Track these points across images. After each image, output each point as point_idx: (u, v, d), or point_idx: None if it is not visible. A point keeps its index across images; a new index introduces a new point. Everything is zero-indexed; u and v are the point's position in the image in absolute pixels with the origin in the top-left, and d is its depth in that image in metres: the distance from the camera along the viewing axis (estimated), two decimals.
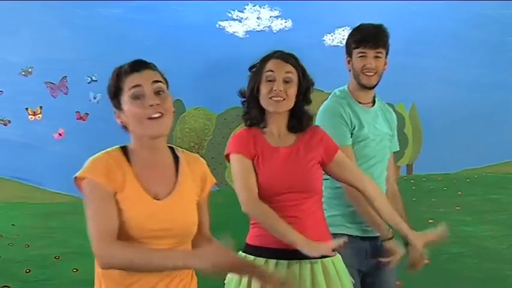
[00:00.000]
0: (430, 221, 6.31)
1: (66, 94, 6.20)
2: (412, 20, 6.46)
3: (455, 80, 6.58)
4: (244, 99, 2.94)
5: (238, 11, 6.31)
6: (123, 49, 6.18)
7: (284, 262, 2.77)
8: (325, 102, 3.44)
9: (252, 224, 2.89)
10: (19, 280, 5.61)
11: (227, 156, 2.89)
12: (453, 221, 6.39)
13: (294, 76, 2.86)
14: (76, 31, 6.17)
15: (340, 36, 6.34)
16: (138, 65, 2.36)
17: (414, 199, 6.50)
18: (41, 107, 6.16)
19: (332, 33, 6.36)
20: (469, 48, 6.56)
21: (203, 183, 2.32)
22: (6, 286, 5.58)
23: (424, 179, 6.60)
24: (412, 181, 6.62)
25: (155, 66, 2.33)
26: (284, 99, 2.81)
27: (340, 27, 6.38)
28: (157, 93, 2.25)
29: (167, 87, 2.32)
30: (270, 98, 2.81)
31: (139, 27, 6.23)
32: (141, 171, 2.22)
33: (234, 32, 6.30)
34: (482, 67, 6.56)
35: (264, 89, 2.84)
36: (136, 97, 2.24)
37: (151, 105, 2.20)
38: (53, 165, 6.13)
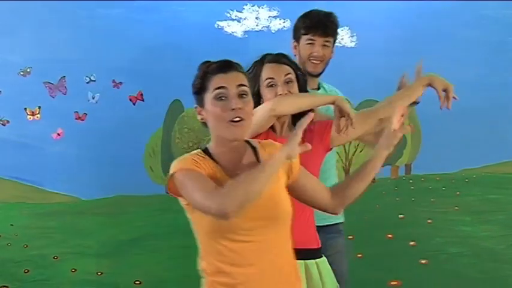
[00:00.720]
0: (429, 221, 6.32)
1: (64, 94, 6.20)
2: (411, 20, 6.45)
3: (455, 80, 6.50)
4: None
5: (236, 11, 6.30)
6: (122, 49, 6.17)
7: None
8: None
9: None
10: (17, 280, 5.61)
11: None
12: (452, 221, 6.38)
13: (292, 75, 2.90)
14: (75, 31, 6.16)
15: (339, 36, 6.32)
16: (226, 66, 2.43)
17: (413, 199, 6.49)
18: (39, 107, 6.16)
19: None
20: (468, 48, 6.55)
21: (287, 164, 2.32)
22: (4, 286, 5.58)
23: (422, 179, 6.59)
24: (411, 181, 6.61)
25: (242, 68, 2.36)
26: None
27: (339, 28, 6.37)
28: (241, 96, 2.29)
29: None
30: None
31: (138, 28, 6.22)
32: (227, 168, 2.28)
33: (232, 32, 6.29)
34: (481, 67, 6.55)
35: (268, 96, 2.87)
36: (219, 98, 2.28)
37: (234, 109, 2.24)
38: (51, 165, 6.13)
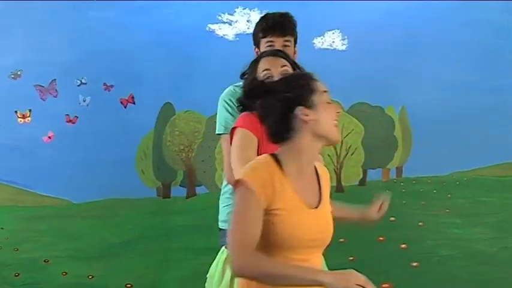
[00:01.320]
0: (420, 223, 6.33)
1: (55, 97, 6.18)
2: (402, 23, 6.47)
3: (446, 82, 6.59)
4: (242, 106, 2.88)
5: (228, 14, 6.31)
6: (113, 52, 6.17)
7: None
8: (226, 89, 3.34)
9: None
10: (8, 284, 5.59)
11: (233, 130, 2.83)
12: (443, 224, 6.40)
13: (289, 68, 2.86)
14: (66, 34, 6.15)
15: (330, 39, 6.35)
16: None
17: (404, 202, 6.50)
18: (30, 110, 6.14)
19: (322, 36, 6.37)
20: (460, 51, 6.57)
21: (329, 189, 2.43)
22: None
23: (413, 182, 6.61)
24: (402, 184, 6.62)
25: None
26: None
27: (330, 30, 6.39)
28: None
29: None
30: None
31: (129, 31, 6.21)
32: (294, 180, 2.27)
33: (224, 35, 6.30)
34: (473, 70, 6.58)
35: None
36: (328, 102, 2.33)
37: (338, 112, 2.33)
38: (42, 168, 6.11)
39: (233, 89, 3.34)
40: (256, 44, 3.35)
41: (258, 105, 2.39)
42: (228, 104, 3.28)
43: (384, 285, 4.98)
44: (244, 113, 2.87)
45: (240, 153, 2.74)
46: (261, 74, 2.84)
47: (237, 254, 2.13)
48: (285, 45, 3.25)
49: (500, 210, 6.51)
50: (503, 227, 6.38)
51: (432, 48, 6.54)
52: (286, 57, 2.92)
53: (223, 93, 3.36)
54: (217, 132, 3.30)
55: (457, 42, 6.55)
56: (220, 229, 3.42)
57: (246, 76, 2.95)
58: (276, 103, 2.31)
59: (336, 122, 2.31)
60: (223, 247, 2.92)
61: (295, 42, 3.37)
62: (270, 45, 3.24)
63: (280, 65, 2.85)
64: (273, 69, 2.83)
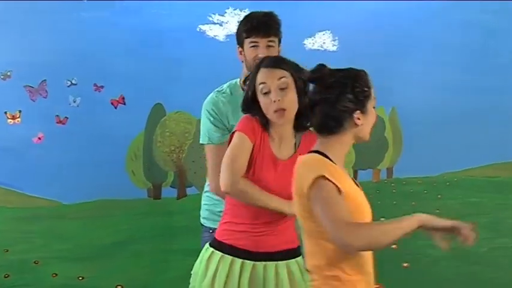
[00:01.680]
0: None
1: (45, 98, 6.16)
2: (392, 24, 6.49)
3: (435, 83, 6.61)
4: (247, 111, 2.87)
5: (219, 14, 6.30)
6: (104, 53, 6.15)
7: (250, 263, 2.79)
8: (209, 96, 3.36)
9: (224, 218, 2.91)
10: None
11: (232, 134, 2.85)
12: None
13: (288, 79, 2.80)
14: (56, 34, 6.13)
15: (320, 40, 6.36)
16: None
17: (394, 202, 6.51)
18: (20, 111, 6.12)
19: (313, 37, 6.38)
20: (448, 52, 6.59)
21: None
22: None
23: (404, 183, 6.63)
24: (392, 184, 6.64)
25: None
26: (285, 109, 2.75)
27: (320, 31, 6.39)
28: None
29: None
30: (274, 111, 2.75)
31: (120, 31, 6.20)
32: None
33: (214, 36, 6.29)
34: (462, 71, 6.60)
35: (262, 103, 2.78)
36: (374, 107, 2.53)
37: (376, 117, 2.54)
38: (32, 169, 6.09)
39: (215, 96, 3.33)
40: (240, 43, 3.31)
41: (314, 90, 2.48)
42: (211, 114, 3.28)
43: (374, 287, 4.99)
44: (245, 115, 2.87)
45: (232, 164, 2.75)
46: (258, 86, 2.80)
47: (347, 235, 2.16)
48: (269, 46, 3.21)
49: (491, 211, 6.54)
50: (493, 228, 6.40)
51: (422, 49, 6.56)
52: (286, 66, 2.84)
53: (206, 101, 3.35)
54: (201, 141, 3.34)
55: (446, 43, 6.58)
56: (202, 225, 3.49)
57: (247, 83, 2.90)
58: (335, 100, 2.38)
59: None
60: (207, 244, 2.95)
61: (280, 42, 3.34)
62: (253, 46, 3.20)
63: (278, 77, 2.78)
64: (269, 83, 2.77)
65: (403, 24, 6.51)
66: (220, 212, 3.02)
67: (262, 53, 3.19)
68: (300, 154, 2.65)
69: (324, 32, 6.40)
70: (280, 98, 2.75)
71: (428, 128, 6.53)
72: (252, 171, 2.77)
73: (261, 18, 3.25)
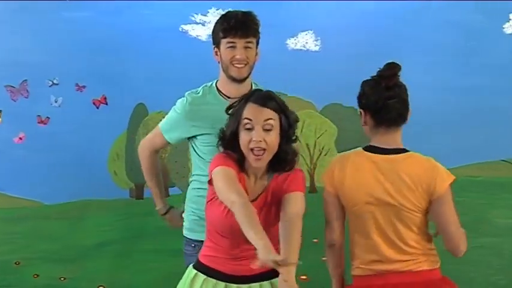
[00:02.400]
0: None
1: (26, 98, 6.13)
2: (376, 24, 6.50)
3: (420, 84, 6.60)
4: (225, 143, 2.77)
5: (201, 14, 6.29)
6: (86, 53, 6.12)
7: (234, 286, 2.75)
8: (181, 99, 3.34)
9: (206, 241, 2.83)
10: None
11: (210, 181, 2.73)
12: None
13: (274, 121, 2.69)
14: (37, 33, 6.09)
15: (303, 40, 6.36)
16: None
17: None
18: (0, 111, 6.08)
19: (295, 37, 6.38)
20: (433, 53, 6.61)
21: None
22: None
23: None
24: None
25: None
26: (265, 150, 2.64)
27: (303, 31, 6.40)
28: None
29: None
30: (251, 149, 2.65)
31: (102, 31, 6.17)
32: None
33: (197, 36, 6.28)
34: (446, 71, 6.61)
35: (243, 138, 2.67)
36: None
37: None
38: (13, 170, 6.05)
39: (187, 95, 3.32)
40: (216, 44, 3.18)
41: (383, 87, 3.09)
42: (176, 111, 3.26)
43: None
44: (218, 154, 2.79)
45: (229, 187, 2.63)
46: (242, 120, 2.68)
47: (464, 244, 3.21)
48: (247, 47, 3.12)
49: (472, 210, 6.56)
50: (475, 227, 6.43)
51: (406, 49, 6.57)
52: (275, 106, 2.72)
53: (179, 104, 3.32)
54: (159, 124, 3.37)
55: (431, 43, 6.59)
56: (184, 237, 3.36)
57: (230, 111, 2.79)
58: (407, 96, 3.20)
59: None
60: (191, 266, 2.87)
61: (258, 43, 3.21)
62: (230, 47, 3.10)
63: (264, 118, 2.66)
64: (254, 121, 2.66)
65: (386, 25, 6.52)
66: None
67: (239, 54, 3.10)
68: (267, 195, 2.72)
69: (306, 32, 6.40)
70: (262, 139, 2.65)
71: (410, 128, 6.54)
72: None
73: (239, 18, 3.13)
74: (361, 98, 2.99)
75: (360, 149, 2.93)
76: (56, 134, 6.10)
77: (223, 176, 2.66)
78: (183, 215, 3.39)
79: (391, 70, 2.96)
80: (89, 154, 6.12)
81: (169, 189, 6.35)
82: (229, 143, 2.75)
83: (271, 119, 2.68)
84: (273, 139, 2.68)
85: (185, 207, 3.38)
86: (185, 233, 3.34)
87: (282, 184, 2.73)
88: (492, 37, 6.64)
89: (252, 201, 2.69)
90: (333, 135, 6.50)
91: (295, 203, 2.67)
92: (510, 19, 6.58)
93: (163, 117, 3.46)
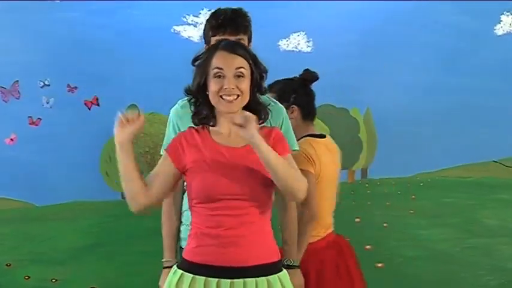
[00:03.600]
0: (385, 224, 6.37)
1: (18, 99, 6.11)
2: (366, 25, 6.52)
3: (410, 84, 6.65)
4: (191, 96, 2.62)
5: (193, 15, 6.29)
6: (77, 54, 6.12)
7: (227, 281, 2.50)
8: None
9: (189, 235, 2.59)
10: None
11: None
12: (407, 225, 6.45)
13: (245, 69, 2.56)
14: (29, 35, 6.08)
15: (295, 41, 6.37)
16: None
17: (369, 203, 6.54)
18: None
19: (287, 38, 6.39)
20: (423, 53, 6.63)
21: None
22: None
23: (378, 183, 6.66)
24: (367, 185, 6.67)
25: None
26: (238, 96, 2.51)
27: (295, 32, 6.41)
28: None
29: None
30: (221, 96, 2.51)
31: (94, 32, 6.17)
32: None
33: (189, 37, 6.29)
34: (436, 72, 6.64)
35: (213, 87, 2.53)
36: None
37: None
38: (4, 171, 6.03)
39: (178, 103, 3.21)
40: (207, 42, 3.10)
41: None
42: (171, 122, 3.15)
43: None
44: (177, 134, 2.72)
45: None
46: (212, 70, 2.54)
47: None
48: None
49: (463, 211, 6.58)
50: (465, 228, 6.45)
51: (397, 50, 6.60)
52: (245, 54, 2.61)
53: (172, 111, 3.21)
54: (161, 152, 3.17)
55: (421, 44, 6.62)
56: (180, 247, 3.22)
57: (197, 63, 2.62)
58: None
59: None
60: (175, 266, 2.63)
61: (250, 40, 3.15)
62: None
63: (236, 66, 2.55)
64: (225, 69, 2.54)
65: (377, 26, 6.54)
66: None
67: None
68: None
69: (298, 33, 6.41)
70: (234, 86, 2.52)
71: (402, 129, 6.57)
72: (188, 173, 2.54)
73: (228, 15, 3.01)
74: (292, 96, 3.17)
75: (308, 138, 3.16)
76: (48, 136, 6.09)
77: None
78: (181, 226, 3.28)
79: (314, 74, 3.23)
80: (80, 155, 6.11)
81: None
82: (195, 96, 2.61)
83: (242, 67, 2.56)
84: (245, 86, 2.55)
85: (182, 219, 3.29)
86: (182, 243, 3.21)
87: (266, 140, 2.58)
88: (483, 38, 6.67)
89: (238, 148, 2.53)
90: None
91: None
92: (501, 20, 6.61)
93: (155, 118, 3.41)
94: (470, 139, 6.66)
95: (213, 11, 3.11)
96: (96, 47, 6.12)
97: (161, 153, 3.02)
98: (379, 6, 6.52)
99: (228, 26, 2.99)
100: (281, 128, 2.95)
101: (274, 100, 3.15)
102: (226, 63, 2.57)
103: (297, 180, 2.53)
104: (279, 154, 2.49)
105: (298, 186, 2.54)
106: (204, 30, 3.10)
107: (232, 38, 2.90)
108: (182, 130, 2.95)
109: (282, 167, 2.48)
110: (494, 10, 6.63)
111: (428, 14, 6.59)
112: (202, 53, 2.64)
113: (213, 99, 2.55)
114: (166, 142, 3.07)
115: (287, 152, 2.62)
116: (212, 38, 3.02)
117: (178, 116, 3.08)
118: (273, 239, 2.63)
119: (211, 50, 2.60)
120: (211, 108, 2.57)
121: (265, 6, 5.94)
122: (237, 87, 2.53)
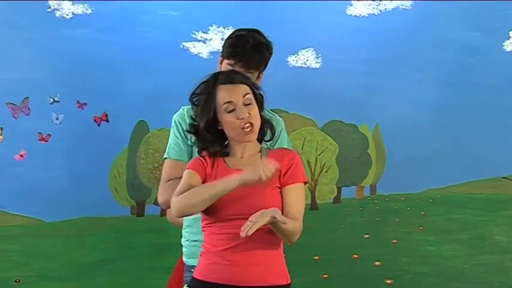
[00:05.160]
0: (394, 240, 6.35)
1: (28, 115, 6.13)
2: (376, 41, 6.52)
3: (418, 100, 6.64)
4: (198, 134, 2.72)
5: (202, 32, 6.31)
6: (87, 70, 6.13)
7: None
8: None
9: (202, 252, 2.62)
10: None
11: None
12: (417, 241, 6.42)
13: (250, 94, 2.67)
14: (39, 51, 6.11)
15: (304, 58, 6.37)
16: None
17: (378, 219, 6.52)
18: (1, 128, 6.08)
19: (296, 55, 6.39)
20: (431, 70, 6.62)
21: None
22: None
23: (387, 199, 6.63)
24: (376, 201, 6.64)
25: None
26: (252, 124, 2.60)
27: (304, 49, 6.41)
28: None
29: None
30: (242, 128, 2.60)
31: (103, 48, 6.19)
32: None
33: (198, 53, 6.30)
34: (444, 88, 6.63)
35: (229, 120, 2.61)
36: None
37: None
38: (13, 187, 6.04)
39: (182, 108, 3.24)
40: (222, 55, 3.17)
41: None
42: (176, 125, 3.15)
43: None
44: (194, 157, 2.77)
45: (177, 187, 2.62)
46: (221, 106, 2.63)
47: None
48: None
49: (472, 227, 6.56)
50: (475, 244, 6.42)
51: (405, 66, 6.59)
52: (245, 81, 2.70)
53: (176, 115, 3.25)
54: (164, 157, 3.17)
55: (428, 61, 6.61)
56: (184, 264, 3.19)
57: (195, 99, 2.78)
58: None
59: None
60: (185, 286, 2.68)
61: (261, 71, 3.13)
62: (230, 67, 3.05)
63: (242, 94, 2.63)
64: (235, 100, 2.62)
65: (386, 42, 6.54)
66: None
67: None
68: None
69: (307, 49, 6.42)
70: (247, 113, 2.61)
71: (412, 145, 6.55)
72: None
73: (247, 48, 3.07)
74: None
75: None
76: (57, 151, 6.10)
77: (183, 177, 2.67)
78: (182, 241, 3.28)
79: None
80: (89, 171, 6.12)
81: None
82: (207, 132, 2.68)
83: (247, 93, 2.67)
84: (255, 111, 2.67)
85: (182, 232, 3.28)
86: (185, 259, 3.21)
87: (278, 163, 2.58)
88: (492, 55, 6.66)
89: None
90: (334, 152, 6.50)
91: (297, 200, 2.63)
92: (510, 37, 6.61)
93: (164, 134, 3.41)
94: (480, 155, 6.64)
95: (236, 30, 3.13)
96: (106, 64, 6.14)
97: (165, 157, 3.08)
98: (388, 23, 6.53)
99: (241, 60, 3.04)
100: (277, 140, 3.00)
101: (272, 112, 3.19)
102: (232, 95, 2.63)
103: (297, 234, 2.62)
104: (290, 182, 2.56)
105: (296, 237, 2.62)
106: (223, 44, 3.13)
107: (242, 69, 2.96)
108: (183, 127, 3.01)
109: (288, 231, 2.50)
110: (503, 26, 6.62)
111: (437, 31, 6.59)
112: (196, 89, 2.80)
113: (232, 131, 2.65)
114: (170, 145, 3.10)
115: (300, 180, 2.67)
116: (225, 59, 3.08)
117: (183, 118, 3.11)
118: (283, 262, 2.64)
119: (210, 88, 2.69)
120: (223, 141, 2.69)
121: (274, 22, 5.96)
122: (249, 114, 2.62)
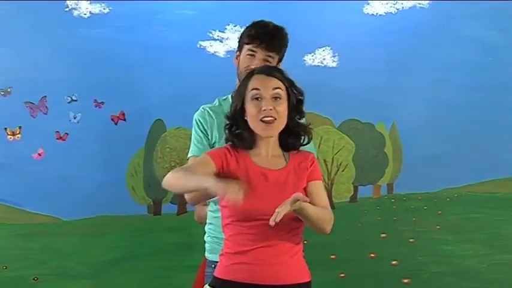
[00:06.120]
0: (411, 240, 6.33)
1: (45, 114, 6.16)
2: (392, 40, 6.50)
3: (436, 99, 6.62)
4: (230, 121, 2.67)
5: (219, 31, 6.31)
6: (104, 69, 6.16)
7: None
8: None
9: (223, 251, 2.62)
10: None
11: None
12: (434, 240, 6.40)
13: (282, 91, 2.61)
14: (56, 51, 6.14)
15: (320, 57, 6.37)
16: None
17: (395, 218, 6.50)
18: (20, 127, 6.12)
19: (313, 53, 6.39)
20: (448, 69, 6.60)
21: None
22: None
23: (404, 198, 6.61)
24: (393, 200, 6.63)
25: None
26: (275, 118, 2.55)
27: (320, 47, 6.41)
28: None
29: None
30: (261, 119, 2.55)
31: (120, 48, 6.21)
32: None
33: (215, 52, 6.30)
34: (462, 87, 6.60)
35: (251, 109, 2.57)
36: None
37: None
38: (31, 186, 6.07)
39: (202, 107, 3.24)
40: (240, 47, 3.15)
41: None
42: (197, 124, 3.15)
43: None
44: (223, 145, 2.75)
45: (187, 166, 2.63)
46: (249, 92, 2.60)
47: None
48: (266, 60, 3.05)
49: (490, 227, 6.53)
50: (493, 244, 6.39)
51: (423, 65, 6.57)
52: (282, 77, 2.65)
53: (196, 114, 3.24)
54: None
55: (447, 60, 6.59)
56: (206, 259, 3.22)
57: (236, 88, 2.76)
58: None
59: None
60: (206, 286, 2.67)
61: (280, 60, 3.12)
62: (250, 55, 3.04)
63: (272, 86, 2.58)
64: (262, 90, 2.57)
65: (403, 41, 6.52)
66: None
67: (256, 64, 3.00)
68: (289, 168, 2.64)
69: (324, 48, 6.41)
70: (272, 107, 2.56)
71: (429, 144, 6.53)
72: None
73: (268, 29, 3.06)
74: None
75: None
76: (75, 150, 6.13)
77: (196, 160, 2.71)
78: (205, 237, 3.32)
79: None
80: (107, 170, 6.14)
81: (187, 205, 6.36)
82: (234, 121, 2.66)
83: (279, 88, 2.61)
84: (283, 109, 2.60)
85: (206, 228, 3.32)
86: (206, 254, 3.24)
87: (302, 164, 2.65)
88: (509, 53, 6.63)
89: (276, 170, 2.61)
90: (351, 151, 6.49)
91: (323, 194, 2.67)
92: None
93: (181, 133, 3.43)
94: (497, 155, 6.61)
95: (256, 20, 3.12)
96: (123, 63, 6.16)
97: (188, 156, 3.07)
98: (405, 22, 6.51)
99: (264, 41, 3.02)
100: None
101: None
102: (262, 84, 2.59)
103: (329, 222, 2.62)
104: (313, 179, 2.57)
105: (328, 225, 2.62)
106: (240, 36, 3.11)
107: (263, 53, 2.95)
108: (207, 129, 3.00)
109: (316, 217, 2.54)
110: None
111: (454, 30, 6.56)
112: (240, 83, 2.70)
113: (252, 122, 2.60)
114: (193, 144, 3.10)
115: (320, 178, 2.69)
116: (245, 46, 3.06)
117: (203, 117, 3.10)
118: (304, 259, 2.64)
119: (247, 76, 2.65)
120: (251, 132, 2.63)
121: (291, 21, 5.94)
122: (275, 109, 2.56)
